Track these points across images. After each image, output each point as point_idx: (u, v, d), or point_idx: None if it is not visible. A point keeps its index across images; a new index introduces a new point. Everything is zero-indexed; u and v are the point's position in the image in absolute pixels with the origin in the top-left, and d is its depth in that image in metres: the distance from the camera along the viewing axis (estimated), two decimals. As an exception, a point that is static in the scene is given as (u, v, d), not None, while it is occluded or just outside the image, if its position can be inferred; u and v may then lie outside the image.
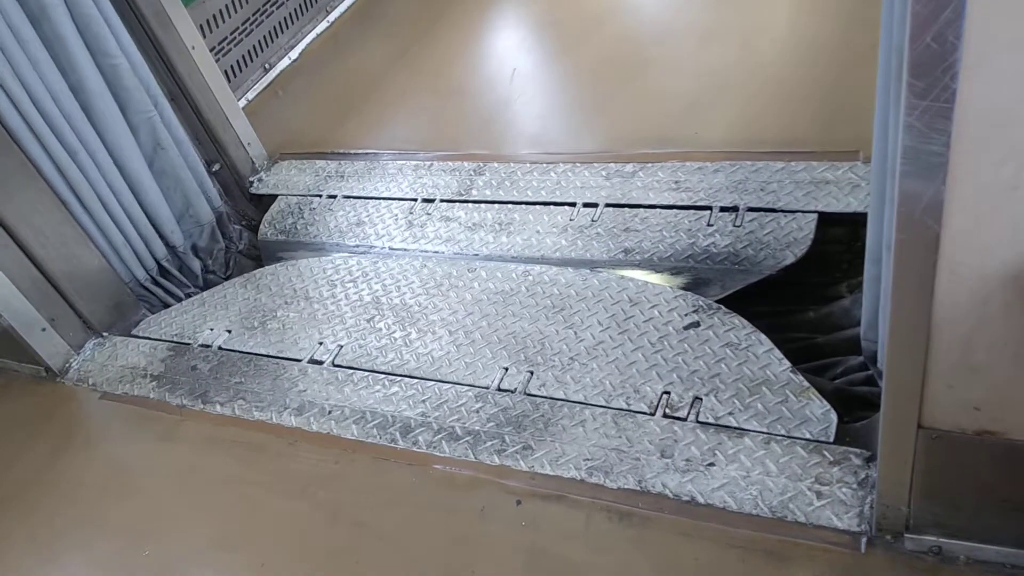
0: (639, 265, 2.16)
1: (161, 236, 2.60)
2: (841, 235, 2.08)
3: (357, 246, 2.55)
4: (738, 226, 2.14)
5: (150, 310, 2.52)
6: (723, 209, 2.20)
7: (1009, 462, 1.25)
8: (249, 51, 3.44)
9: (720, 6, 3.08)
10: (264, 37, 3.51)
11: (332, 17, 3.80)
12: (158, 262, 2.59)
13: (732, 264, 2.07)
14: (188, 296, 2.60)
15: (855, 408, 1.69)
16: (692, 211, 2.23)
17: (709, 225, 2.18)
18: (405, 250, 2.46)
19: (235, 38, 3.36)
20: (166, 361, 2.27)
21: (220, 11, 3.26)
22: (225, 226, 2.79)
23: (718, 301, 1.97)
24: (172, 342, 2.34)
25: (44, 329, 2.29)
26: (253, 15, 3.43)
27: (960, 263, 1.08)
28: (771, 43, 2.84)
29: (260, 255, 2.78)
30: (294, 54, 3.62)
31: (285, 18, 3.60)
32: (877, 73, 1.38)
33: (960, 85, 0.94)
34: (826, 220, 2.09)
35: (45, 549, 1.91)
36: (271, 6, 3.52)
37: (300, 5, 3.67)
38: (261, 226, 2.77)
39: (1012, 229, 1.03)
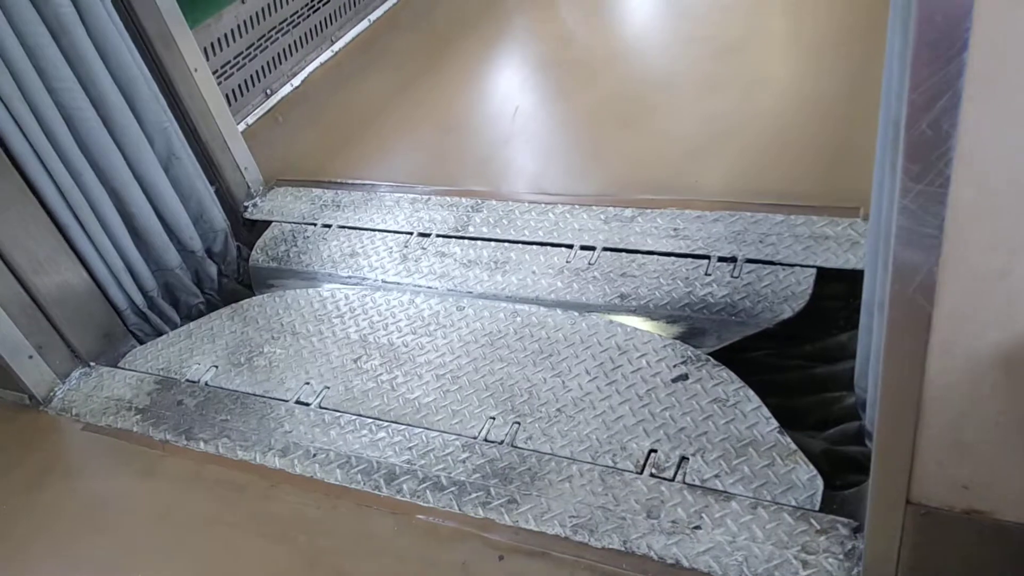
0: (635, 311, 2.14)
1: (179, 242, 2.61)
2: (839, 291, 2.07)
3: (350, 277, 2.53)
4: (736, 277, 2.13)
5: (140, 340, 2.49)
6: (721, 259, 2.19)
7: (997, 543, 1.23)
8: (252, 76, 3.44)
9: (725, 57, 3.08)
10: (267, 63, 3.51)
11: (336, 47, 3.81)
12: (170, 270, 2.58)
13: (729, 315, 2.05)
14: (185, 319, 2.59)
15: (843, 470, 1.67)
16: (690, 259, 2.22)
17: (707, 275, 2.17)
18: (398, 283, 2.44)
19: (238, 62, 3.36)
20: (152, 395, 2.24)
21: (225, 35, 3.26)
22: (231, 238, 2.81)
23: (712, 353, 1.95)
24: (159, 375, 2.31)
25: (31, 356, 2.26)
26: (258, 40, 3.44)
27: (952, 343, 1.08)
28: (775, 95, 2.84)
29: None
30: (296, 81, 3.63)
31: (290, 45, 3.62)
32: (877, 136, 1.38)
33: (953, 172, 0.94)
34: (825, 275, 2.08)
35: (17, 582, 1.88)
36: (276, 33, 3.53)
37: (305, 34, 3.68)
38: (253, 252, 2.76)
39: (1003, 312, 1.03)
